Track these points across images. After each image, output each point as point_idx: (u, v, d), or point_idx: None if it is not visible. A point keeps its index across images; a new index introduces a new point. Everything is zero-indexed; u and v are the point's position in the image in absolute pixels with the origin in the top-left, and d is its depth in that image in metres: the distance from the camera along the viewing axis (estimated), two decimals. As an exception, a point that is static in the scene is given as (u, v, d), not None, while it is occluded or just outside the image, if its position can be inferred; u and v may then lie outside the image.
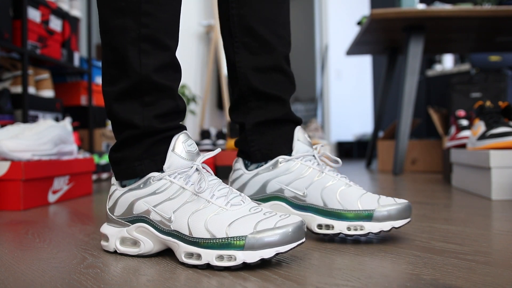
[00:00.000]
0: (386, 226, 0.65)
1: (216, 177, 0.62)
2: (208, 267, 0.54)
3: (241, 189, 0.76)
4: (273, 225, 0.53)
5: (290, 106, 0.78)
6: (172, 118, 0.64)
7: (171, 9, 0.63)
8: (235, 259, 0.52)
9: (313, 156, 0.73)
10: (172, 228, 0.58)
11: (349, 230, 0.66)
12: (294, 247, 0.53)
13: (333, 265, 0.56)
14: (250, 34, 0.75)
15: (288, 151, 0.74)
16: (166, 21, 0.62)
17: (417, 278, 0.50)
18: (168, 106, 0.63)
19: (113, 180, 0.66)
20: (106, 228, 0.65)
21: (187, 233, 0.56)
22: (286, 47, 0.77)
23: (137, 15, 0.60)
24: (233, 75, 0.78)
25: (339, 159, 0.74)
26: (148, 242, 0.61)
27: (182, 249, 0.56)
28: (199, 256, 0.55)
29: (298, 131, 0.75)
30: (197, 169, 0.61)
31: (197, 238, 0.55)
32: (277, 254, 0.52)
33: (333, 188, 0.69)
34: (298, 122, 0.77)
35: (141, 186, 0.61)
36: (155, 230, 0.60)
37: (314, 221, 0.69)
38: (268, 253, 0.52)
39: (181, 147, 0.61)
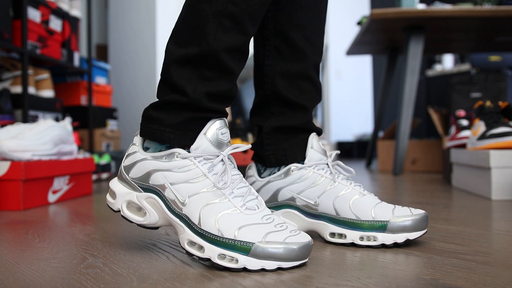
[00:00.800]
0: (400, 238, 0.64)
1: (238, 172, 0.61)
2: (207, 261, 0.54)
3: None
4: (282, 240, 0.53)
5: (312, 116, 0.77)
6: (220, 101, 0.62)
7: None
8: (237, 262, 0.52)
9: (326, 164, 0.72)
10: (183, 212, 0.57)
11: (361, 240, 0.65)
12: (296, 266, 0.53)
13: (333, 265, 0.56)
14: (283, 39, 0.74)
15: (302, 159, 0.73)
16: (254, 6, 0.61)
17: (417, 278, 0.50)
18: (222, 87, 0.62)
19: (136, 139, 0.64)
20: (115, 185, 0.64)
21: (196, 222, 0.56)
22: (318, 56, 0.76)
23: None
24: (259, 77, 0.77)
25: (352, 169, 0.73)
26: (155, 214, 0.60)
27: (186, 235, 0.56)
28: (201, 248, 0.55)
29: (313, 139, 0.73)
30: (222, 160, 0.60)
31: (205, 231, 0.55)
32: (279, 268, 0.53)
33: (346, 197, 0.68)
34: (317, 132, 0.76)
35: (165, 158, 0.60)
36: (166, 207, 0.59)
37: (327, 229, 0.69)
38: (270, 265, 0.53)
39: (214, 132, 0.60)
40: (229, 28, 0.60)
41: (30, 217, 0.99)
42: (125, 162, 0.64)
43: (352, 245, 0.66)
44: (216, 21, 0.60)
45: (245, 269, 0.53)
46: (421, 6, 2.18)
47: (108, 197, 0.65)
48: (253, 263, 0.52)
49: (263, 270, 0.53)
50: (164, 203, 0.60)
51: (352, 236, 0.66)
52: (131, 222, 0.62)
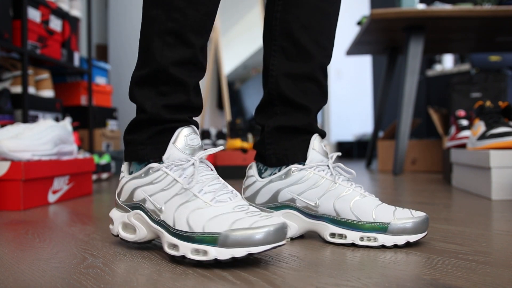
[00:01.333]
0: (400, 240, 0.64)
1: (212, 173, 0.62)
2: (183, 259, 0.56)
3: (253, 196, 0.75)
4: (248, 225, 0.53)
5: (315, 118, 0.77)
6: (180, 111, 0.66)
7: (203, 8, 0.65)
8: (206, 254, 0.53)
9: (327, 166, 0.72)
10: (161, 218, 0.60)
11: (361, 240, 0.65)
12: (268, 249, 0.52)
13: (333, 265, 0.56)
14: (290, 40, 0.74)
15: (303, 160, 0.73)
16: (194, 19, 0.64)
17: (417, 278, 0.50)
18: (179, 100, 0.65)
19: (123, 167, 0.69)
20: (113, 212, 0.69)
21: (171, 224, 0.58)
22: (325, 58, 0.76)
23: (168, 9, 0.63)
24: (265, 77, 0.78)
25: (353, 171, 0.73)
26: (143, 229, 0.64)
27: (166, 239, 0.58)
28: (177, 247, 0.56)
29: (315, 140, 0.73)
30: (193, 164, 0.62)
31: (178, 230, 0.57)
32: (249, 254, 0.52)
33: (346, 199, 0.68)
34: (320, 134, 0.76)
35: (142, 175, 0.64)
36: (148, 218, 0.63)
37: (327, 229, 0.68)
38: (239, 252, 0.52)
39: (182, 140, 0.63)
40: (173, 44, 0.64)
41: (30, 217, 0.99)
42: (117, 189, 0.69)
43: (352, 245, 0.66)
44: (160, 40, 0.64)
45: (216, 260, 0.53)
46: (421, 6, 2.18)
47: (110, 225, 0.69)
48: (222, 253, 0.52)
49: (233, 259, 0.52)
50: (146, 215, 0.63)
51: (352, 236, 0.66)
52: (127, 241, 0.66)
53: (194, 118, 0.69)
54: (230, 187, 0.61)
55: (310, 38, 0.74)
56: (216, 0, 0.67)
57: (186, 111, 0.66)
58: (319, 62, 0.75)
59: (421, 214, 0.65)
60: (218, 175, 0.63)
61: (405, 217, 0.65)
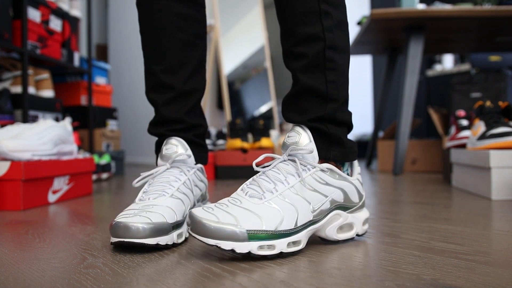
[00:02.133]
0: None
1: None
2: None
3: None
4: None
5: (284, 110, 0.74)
6: (156, 127, 0.83)
7: (155, 42, 0.82)
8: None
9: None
10: None
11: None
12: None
13: (333, 265, 0.56)
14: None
15: None
16: (151, 52, 0.83)
17: (417, 278, 0.50)
18: (155, 118, 0.84)
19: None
20: None
21: None
22: (292, 46, 0.73)
23: (142, 50, 0.86)
24: None
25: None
26: None
27: None
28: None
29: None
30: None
31: None
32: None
33: None
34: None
35: None
36: None
37: None
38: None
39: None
40: (147, 75, 0.85)
41: (30, 217, 0.99)
42: None
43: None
44: (145, 76, 0.85)
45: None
46: (421, 6, 2.18)
47: None
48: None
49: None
50: None
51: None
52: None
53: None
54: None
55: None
56: (163, 37, 0.81)
57: (160, 126, 0.83)
58: (284, 49, 0.73)
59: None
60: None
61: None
